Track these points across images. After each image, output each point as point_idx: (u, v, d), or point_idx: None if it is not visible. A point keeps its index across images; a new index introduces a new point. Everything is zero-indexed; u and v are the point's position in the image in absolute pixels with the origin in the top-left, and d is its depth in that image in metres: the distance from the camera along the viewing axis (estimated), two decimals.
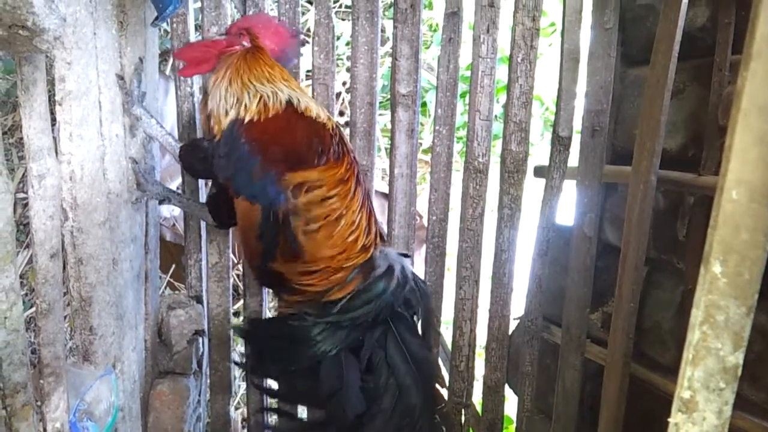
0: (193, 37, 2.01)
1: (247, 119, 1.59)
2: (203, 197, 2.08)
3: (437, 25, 3.84)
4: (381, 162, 3.49)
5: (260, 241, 1.63)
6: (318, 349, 1.60)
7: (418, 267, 2.25)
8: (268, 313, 2.30)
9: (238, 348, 2.48)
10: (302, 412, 2.10)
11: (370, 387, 1.62)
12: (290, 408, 2.06)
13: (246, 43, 1.73)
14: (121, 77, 1.70)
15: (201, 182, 2.10)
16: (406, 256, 1.74)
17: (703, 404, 0.69)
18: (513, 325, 2.29)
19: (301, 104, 1.64)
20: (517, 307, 2.27)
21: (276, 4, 2.04)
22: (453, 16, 2.03)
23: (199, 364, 2.23)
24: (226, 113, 1.63)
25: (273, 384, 1.91)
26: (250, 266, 1.77)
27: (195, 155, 1.72)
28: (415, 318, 1.74)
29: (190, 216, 2.11)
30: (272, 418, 2.27)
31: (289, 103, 1.63)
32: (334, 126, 1.70)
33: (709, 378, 0.68)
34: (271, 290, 1.99)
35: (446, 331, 2.37)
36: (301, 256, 1.61)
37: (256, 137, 1.59)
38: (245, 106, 1.61)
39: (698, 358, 0.68)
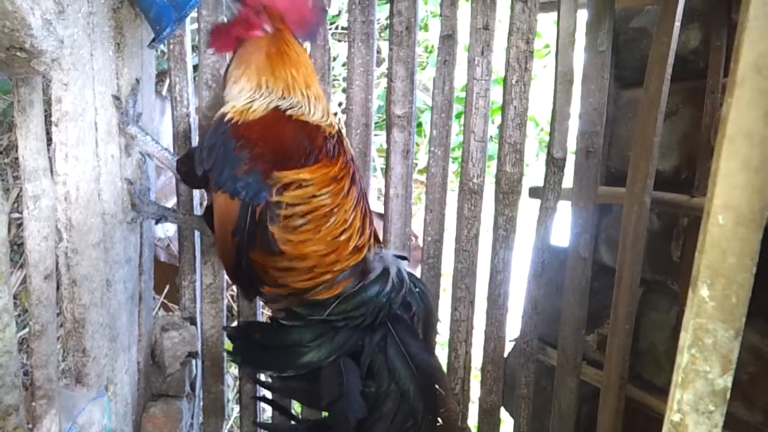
0: (190, 58, 2.02)
1: (239, 119, 1.58)
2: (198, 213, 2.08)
3: (433, 46, 3.87)
4: (376, 182, 3.50)
5: (235, 237, 1.60)
6: (314, 357, 1.57)
7: None
8: None
9: (232, 370, 2.47)
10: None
11: (372, 392, 1.59)
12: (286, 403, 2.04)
13: (268, 27, 1.65)
14: (117, 98, 1.71)
15: (196, 201, 2.10)
16: (403, 258, 1.71)
17: (693, 427, 0.68)
18: (509, 346, 2.28)
19: (298, 112, 1.62)
20: (513, 329, 2.27)
21: None
22: (448, 38, 2.05)
23: (192, 387, 2.21)
24: (228, 103, 1.63)
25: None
26: (225, 264, 1.72)
27: (191, 165, 1.71)
28: (414, 320, 1.70)
29: (185, 236, 2.11)
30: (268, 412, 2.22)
31: (289, 107, 1.62)
32: (334, 129, 1.67)
33: (699, 401, 0.68)
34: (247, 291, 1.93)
35: (441, 353, 2.36)
36: (281, 253, 1.58)
37: (242, 134, 1.57)
38: (242, 103, 1.60)
39: (687, 381, 0.68)
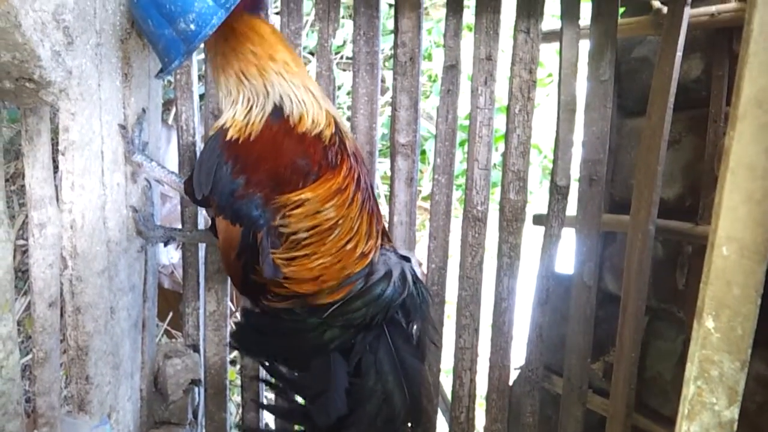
0: (197, 88, 2.04)
1: (231, 136, 1.54)
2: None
3: (436, 76, 3.91)
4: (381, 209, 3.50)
5: (240, 260, 1.60)
6: (308, 344, 1.57)
7: None
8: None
9: (234, 398, 2.45)
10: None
11: (356, 390, 1.58)
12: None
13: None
14: (123, 127, 1.73)
15: (201, 225, 2.11)
16: (407, 259, 1.68)
17: None
18: (514, 375, 2.27)
19: (294, 112, 1.56)
20: (518, 357, 2.25)
21: None
22: (452, 68, 2.07)
23: (195, 415, 2.20)
24: (224, 112, 1.60)
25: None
26: (232, 281, 1.72)
27: None
28: (411, 325, 1.69)
29: (189, 263, 2.11)
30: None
31: (279, 109, 1.56)
32: (333, 131, 1.61)
33: None
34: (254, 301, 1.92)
35: (446, 381, 2.34)
36: (286, 276, 1.56)
37: (238, 156, 1.54)
38: (234, 115, 1.56)
39: (693, 412, 0.68)
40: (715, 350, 0.67)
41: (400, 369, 1.59)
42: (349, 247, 1.57)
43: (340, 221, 1.56)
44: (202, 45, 1.96)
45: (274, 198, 1.52)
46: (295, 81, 1.59)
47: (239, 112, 1.57)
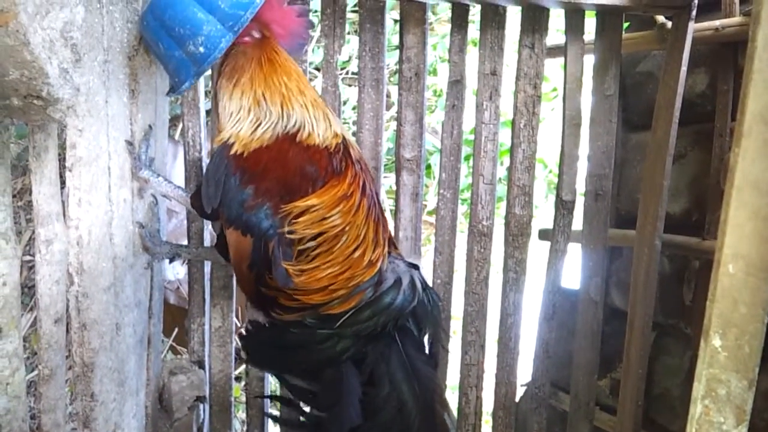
0: (203, 104, 2.05)
1: (238, 149, 1.56)
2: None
3: (441, 91, 3.92)
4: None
5: (252, 271, 1.60)
6: (321, 355, 1.56)
7: None
8: (271, 380, 2.27)
9: (239, 415, 2.44)
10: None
11: (370, 400, 1.56)
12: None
13: (255, 33, 1.61)
14: (130, 143, 1.74)
15: (207, 243, 2.11)
16: (416, 267, 1.68)
17: None
18: (520, 391, 2.25)
19: (304, 132, 1.59)
20: (524, 373, 2.24)
21: None
22: (456, 83, 2.08)
23: None
24: (228, 126, 1.60)
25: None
26: (244, 292, 1.72)
27: None
28: (423, 332, 1.67)
29: (195, 279, 2.11)
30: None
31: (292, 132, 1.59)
32: (339, 140, 1.63)
33: None
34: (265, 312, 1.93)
35: (452, 398, 2.33)
36: (297, 285, 1.56)
37: (246, 167, 1.55)
38: (239, 131, 1.58)
39: None
40: (722, 369, 0.66)
41: (413, 377, 1.58)
42: (356, 255, 1.57)
43: (347, 228, 1.56)
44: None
45: (282, 206, 1.53)
46: (317, 113, 1.63)
47: (245, 129, 1.58)
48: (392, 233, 1.77)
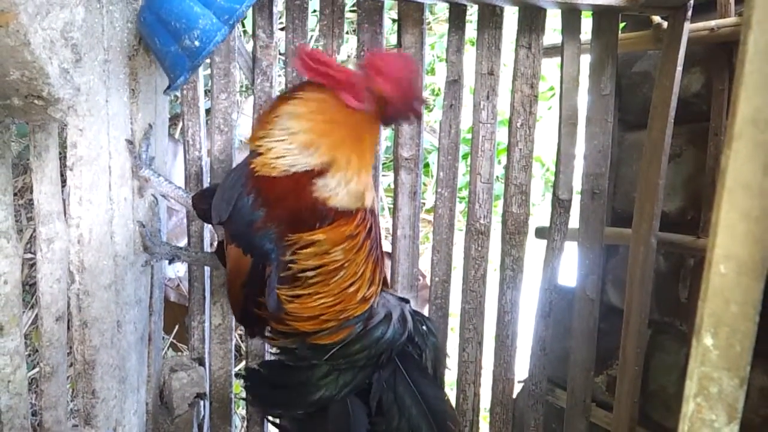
0: (203, 103, 2.06)
1: (261, 168, 1.52)
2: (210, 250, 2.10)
3: (439, 90, 3.93)
4: (384, 222, 3.52)
5: (245, 289, 1.61)
6: (323, 394, 1.56)
7: None
8: None
9: (240, 412, 2.46)
10: None
11: (382, 430, 1.57)
12: None
13: (367, 106, 1.52)
14: (130, 142, 1.75)
15: (207, 240, 2.12)
16: (406, 300, 1.68)
17: None
18: (517, 388, 2.27)
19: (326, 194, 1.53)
20: (521, 370, 2.25)
21: (283, 71, 2.11)
22: (454, 83, 2.09)
23: (200, 428, 2.20)
24: (269, 137, 1.53)
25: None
26: (233, 308, 1.72)
27: (207, 200, 1.69)
28: (424, 356, 1.67)
29: (195, 277, 2.12)
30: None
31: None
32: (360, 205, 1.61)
33: None
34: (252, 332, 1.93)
35: (450, 394, 2.34)
36: (287, 312, 1.56)
37: (262, 190, 1.53)
38: (280, 152, 1.51)
39: (693, 430, 0.69)
40: (714, 367, 0.68)
41: (422, 401, 1.58)
42: (351, 290, 1.57)
43: (346, 264, 1.56)
44: (207, 60, 1.99)
45: (289, 235, 1.52)
46: (358, 176, 1.57)
47: (281, 151, 1.53)
48: (387, 276, 1.77)
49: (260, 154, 1.54)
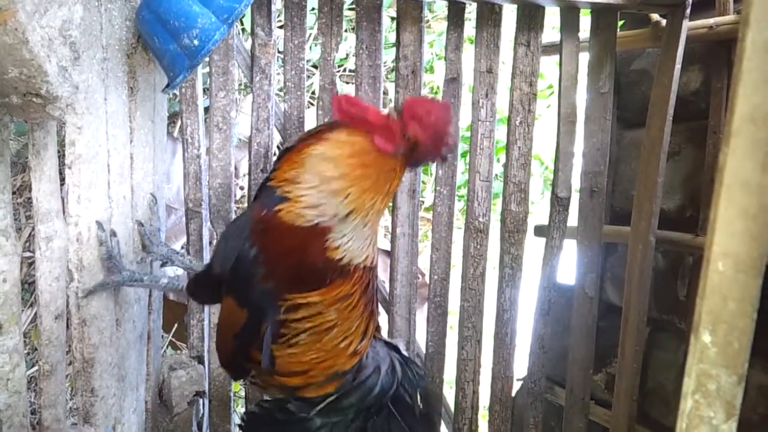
0: (201, 101, 2.06)
1: (286, 218, 1.41)
2: (207, 256, 2.10)
3: (438, 88, 3.93)
4: (383, 220, 3.52)
5: (235, 341, 1.57)
6: None
7: (419, 326, 2.25)
8: None
9: (239, 410, 2.46)
10: None
11: None
12: None
13: (400, 151, 1.44)
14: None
15: (205, 241, 2.12)
16: (396, 349, 1.65)
17: None
18: (516, 386, 2.27)
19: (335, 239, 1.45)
20: (520, 368, 2.26)
21: (282, 69, 2.11)
22: (453, 81, 2.09)
23: (200, 427, 2.20)
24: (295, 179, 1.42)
25: None
26: (219, 355, 1.68)
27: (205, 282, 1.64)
28: (415, 401, 1.67)
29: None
30: None
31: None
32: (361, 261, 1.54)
33: None
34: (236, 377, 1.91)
35: (449, 392, 2.35)
36: (276, 367, 1.53)
37: (266, 245, 1.44)
38: (300, 195, 1.40)
39: (692, 426, 0.69)
40: (712, 364, 0.68)
41: None
42: (342, 345, 1.53)
43: (339, 323, 1.51)
44: (206, 58, 1.99)
45: (286, 294, 1.47)
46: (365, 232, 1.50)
47: (306, 200, 1.42)
48: (380, 324, 1.72)
49: (287, 198, 1.42)
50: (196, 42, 1.50)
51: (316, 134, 1.48)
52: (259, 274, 1.46)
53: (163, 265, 1.90)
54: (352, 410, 1.55)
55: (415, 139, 1.43)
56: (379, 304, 1.69)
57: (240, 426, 1.72)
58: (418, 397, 1.65)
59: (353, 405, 1.54)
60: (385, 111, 1.46)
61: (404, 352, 1.69)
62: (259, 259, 1.45)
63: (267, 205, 1.43)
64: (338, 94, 1.52)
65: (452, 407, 2.28)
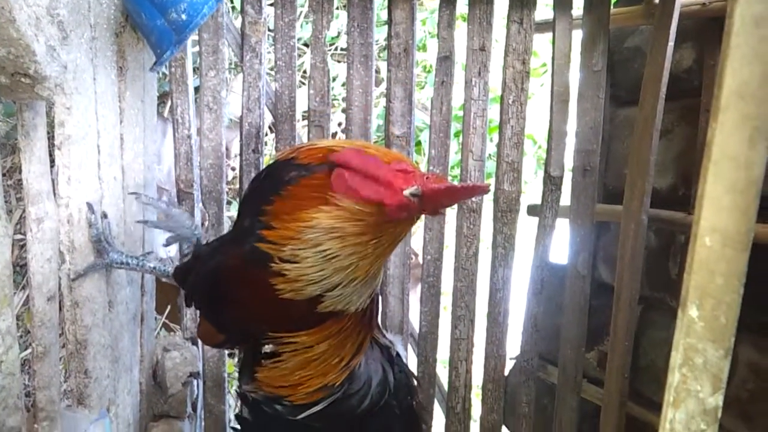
0: (191, 80, 2.05)
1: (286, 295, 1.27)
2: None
3: (431, 67, 3.91)
4: None
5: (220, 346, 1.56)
6: None
7: (413, 306, 2.26)
8: None
9: (233, 390, 2.47)
10: None
11: None
12: None
13: (412, 216, 1.25)
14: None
15: (197, 223, 2.12)
16: (389, 349, 1.59)
17: None
18: (509, 364, 2.29)
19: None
20: (513, 347, 2.27)
21: (273, 48, 2.09)
22: (445, 59, 2.08)
23: (194, 407, 2.21)
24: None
25: None
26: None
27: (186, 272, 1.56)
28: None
29: (187, 257, 2.12)
30: None
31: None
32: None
33: (690, 420, 0.70)
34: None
35: (442, 372, 2.36)
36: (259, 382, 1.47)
37: (246, 298, 1.34)
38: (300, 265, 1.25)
39: (679, 400, 0.69)
40: (699, 339, 0.68)
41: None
42: (334, 362, 1.42)
43: (330, 350, 1.41)
44: (195, 36, 1.97)
45: (269, 333, 1.39)
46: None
47: (306, 279, 1.26)
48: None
49: (282, 273, 1.26)
50: (183, 16, 1.48)
51: (321, 186, 1.25)
52: (236, 317, 1.39)
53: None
54: (340, 421, 1.51)
55: (429, 202, 1.22)
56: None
57: (235, 428, 1.70)
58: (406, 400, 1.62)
59: (340, 417, 1.48)
60: (405, 192, 1.19)
61: (400, 349, 1.67)
62: (236, 305, 1.37)
63: (251, 263, 1.28)
64: (339, 167, 1.23)
65: (445, 386, 2.29)
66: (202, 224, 1.85)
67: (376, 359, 1.56)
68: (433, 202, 1.21)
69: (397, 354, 1.63)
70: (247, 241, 1.29)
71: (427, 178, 1.20)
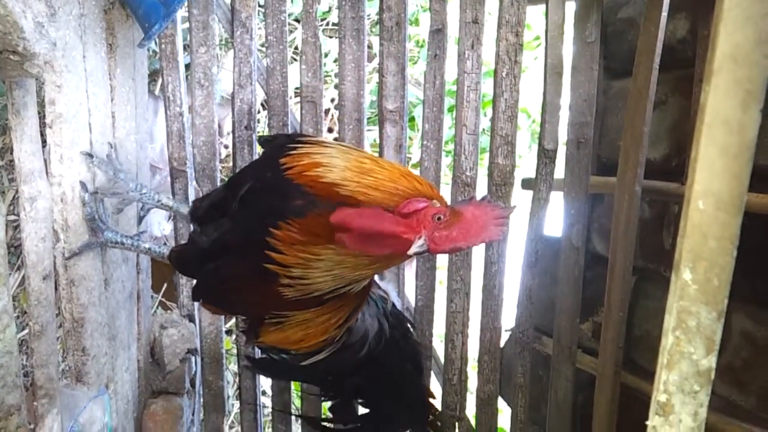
0: (182, 57, 2.03)
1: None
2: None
3: (423, 41, 3.88)
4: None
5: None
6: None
7: (408, 280, 2.27)
8: None
9: (231, 367, 2.48)
10: None
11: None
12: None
13: (443, 217, 1.23)
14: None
15: (191, 196, 2.11)
16: (384, 300, 1.72)
17: (679, 407, 0.71)
18: (504, 336, 2.30)
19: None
20: (508, 319, 2.29)
21: (263, 23, 2.07)
22: (438, 33, 2.06)
23: (192, 383, 2.23)
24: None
25: None
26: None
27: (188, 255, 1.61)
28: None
29: (182, 235, 2.12)
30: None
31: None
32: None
33: (684, 381, 0.71)
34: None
35: (438, 345, 2.38)
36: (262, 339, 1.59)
37: (228, 295, 1.51)
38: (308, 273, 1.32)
39: (672, 362, 0.70)
40: (692, 301, 0.69)
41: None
42: (332, 322, 1.51)
43: (329, 317, 1.50)
44: (185, 12, 1.95)
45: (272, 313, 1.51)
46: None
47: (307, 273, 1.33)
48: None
49: (291, 286, 1.35)
50: None
51: (325, 228, 1.25)
52: (242, 308, 1.62)
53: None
54: (344, 363, 1.63)
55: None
56: None
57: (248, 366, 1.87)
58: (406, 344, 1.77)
59: (344, 359, 1.62)
60: (411, 251, 1.20)
61: (395, 299, 1.73)
62: (242, 302, 1.53)
63: (259, 276, 1.34)
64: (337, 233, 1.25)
65: (442, 359, 2.31)
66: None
67: (372, 315, 1.68)
68: (442, 250, 1.23)
69: (393, 305, 1.70)
70: (255, 257, 1.32)
71: (438, 219, 1.21)
